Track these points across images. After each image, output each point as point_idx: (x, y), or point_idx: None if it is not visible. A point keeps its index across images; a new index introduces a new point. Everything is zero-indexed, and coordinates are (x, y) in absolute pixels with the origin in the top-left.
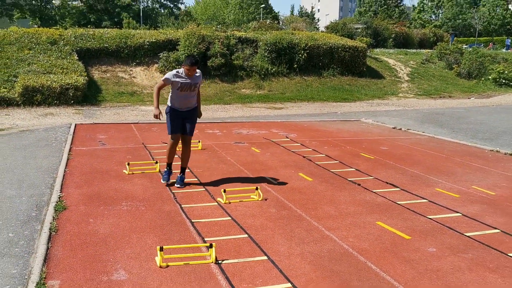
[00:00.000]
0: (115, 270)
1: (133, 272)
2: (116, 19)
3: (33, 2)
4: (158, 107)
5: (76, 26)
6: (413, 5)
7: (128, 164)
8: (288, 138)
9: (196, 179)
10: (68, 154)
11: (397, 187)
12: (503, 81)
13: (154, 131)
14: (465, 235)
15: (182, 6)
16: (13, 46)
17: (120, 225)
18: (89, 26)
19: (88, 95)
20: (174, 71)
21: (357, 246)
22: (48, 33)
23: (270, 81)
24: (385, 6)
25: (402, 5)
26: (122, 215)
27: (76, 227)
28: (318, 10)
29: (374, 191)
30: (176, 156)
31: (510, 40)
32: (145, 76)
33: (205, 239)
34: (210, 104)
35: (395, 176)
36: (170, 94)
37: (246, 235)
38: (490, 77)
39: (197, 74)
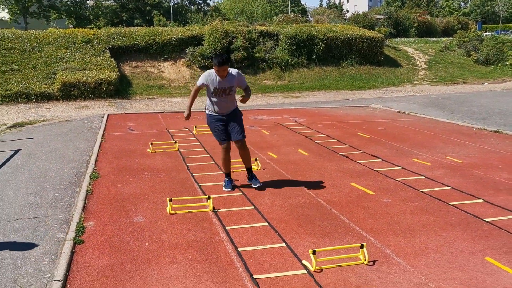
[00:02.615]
0: (135, 216)
1: (149, 217)
2: (147, 17)
3: (69, 3)
4: (188, 109)
5: (109, 25)
6: None
7: (152, 143)
8: (296, 122)
9: (208, 155)
10: (101, 138)
11: (380, 158)
12: None
13: (177, 118)
14: (420, 191)
15: (211, 2)
16: (51, 46)
17: (141, 188)
18: (120, 25)
19: (120, 89)
20: (207, 73)
21: (329, 199)
22: (83, 33)
23: (290, 72)
24: None
25: None
26: (143, 181)
27: (106, 189)
28: (347, 1)
29: (358, 161)
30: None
31: None
32: (173, 71)
33: (209, 196)
34: None
35: (382, 150)
36: (206, 101)
37: (240, 193)
38: (507, 63)
39: (233, 74)
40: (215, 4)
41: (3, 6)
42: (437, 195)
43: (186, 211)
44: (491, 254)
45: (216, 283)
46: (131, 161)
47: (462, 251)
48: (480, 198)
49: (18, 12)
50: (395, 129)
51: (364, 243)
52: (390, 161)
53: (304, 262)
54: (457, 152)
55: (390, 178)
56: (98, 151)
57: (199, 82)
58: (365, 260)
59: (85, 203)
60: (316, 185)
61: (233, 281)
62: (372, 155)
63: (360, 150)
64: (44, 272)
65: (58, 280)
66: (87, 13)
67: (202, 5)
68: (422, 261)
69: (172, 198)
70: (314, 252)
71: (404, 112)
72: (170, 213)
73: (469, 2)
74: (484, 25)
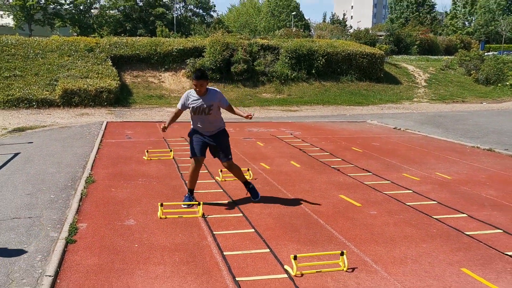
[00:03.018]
0: (127, 219)
1: (140, 221)
2: (151, 27)
3: (73, 11)
4: (168, 123)
5: (113, 34)
6: (446, 12)
7: (147, 151)
8: (292, 135)
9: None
10: (99, 145)
11: (370, 172)
12: None
13: (175, 128)
14: (406, 204)
15: (214, 14)
16: (54, 53)
17: (135, 193)
18: (122, 34)
19: (120, 97)
20: (186, 92)
21: (316, 210)
22: (85, 41)
23: (290, 86)
24: (417, 13)
25: (434, 11)
26: (137, 187)
27: (101, 193)
28: (351, 17)
29: (349, 174)
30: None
31: None
32: (173, 81)
33: (199, 202)
34: None
35: (373, 165)
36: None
37: (231, 201)
38: (508, 83)
39: (214, 92)
40: (218, 16)
41: (8, 12)
42: (422, 209)
43: (177, 216)
44: (468, 265)
45: (200, 284)
46: (127, 167)
47: (439, 262)
48: (463, 213)
49: (23, 19)
50: (389, 144)
51: (344, 251)
52: (380, 175)
53: (285, 267)
54: (447, 169)
55: (378, 191)
56: (95, 157)
57: (179, 104)
58: (344, 267)
59: (79, 205)
60: (305, 195)
61: (216, 283)
62: (363, 169)
63: (351, 164)
64: (36, 268)
65: (49, 276)
66: (91, 22)
67: (206, 17)
68: (399, 269)
69: (163, 203)
70: (295, 258)
71: (399, 129)
72: (160, 218)
73: (473, 21)
74: (487, 45)
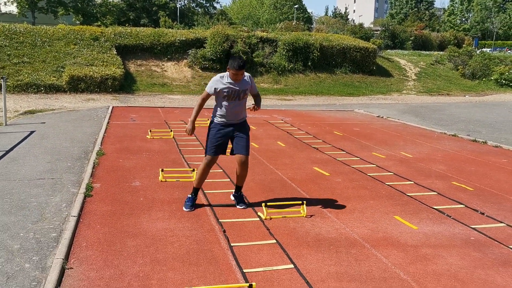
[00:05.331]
0: (133, 181)
1: (144, 183)
2: (154, 17)
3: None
4: (193, 121)
5: (116, 23)
6: (444, 8)
7: (150, 131)
8: (283, 120)
9: (199, 142)
10: (106, 125)
11: (345, 151)
12: (504, 81)
13: (176, 113)
14: (368, 175)
15: (217, 6)
16: (61, 42)
17: (139, 163)
18: (127, 24)
19: (124, 85)
20: (217, 77)
21: (291, 177)
22: (91, 30)
23: (287, 77)
24: (416, 9)
25: (433, 8)
26: (141, 159)
27: (110, 163)
28: (354, 11)
29: (325, 152)
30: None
31: None
32: (175, 70)
33: (193, 169)
34: None
35: (349, 145)
36: (214, 107)
37: (221, 170)
38: (492, 78)
39: (246, 78)
40: (221, 8)
41: (12, 0)
42: (379, 178)
43: (174, 180)
44: (400, 214)
45: (192, 223)
46: (132, 144)
47: (379, 212)
48: (411, 181)
49: (27, 6)
50: (368, 130)
51: (304, 201)
52: (352, 153)
53: (258, 213)
54: (412, 149)
55: (347, 165)
56: (104, 135)
57: (210, 89)
58: (304, 213)
59: (93, 171)
60: (285, 167)
61: (204, 222)
62: (339, 148)
63: (330, 144)
64: (63, 211)
65: (74, 216)
66: (94, 11)
67: (209, 8)
68: (347, 216)
69: (164, 169)
70: (266, 205)
71: (382, 117)
72: (161, 181)
73: (470, 18)
74: (482, 42)
